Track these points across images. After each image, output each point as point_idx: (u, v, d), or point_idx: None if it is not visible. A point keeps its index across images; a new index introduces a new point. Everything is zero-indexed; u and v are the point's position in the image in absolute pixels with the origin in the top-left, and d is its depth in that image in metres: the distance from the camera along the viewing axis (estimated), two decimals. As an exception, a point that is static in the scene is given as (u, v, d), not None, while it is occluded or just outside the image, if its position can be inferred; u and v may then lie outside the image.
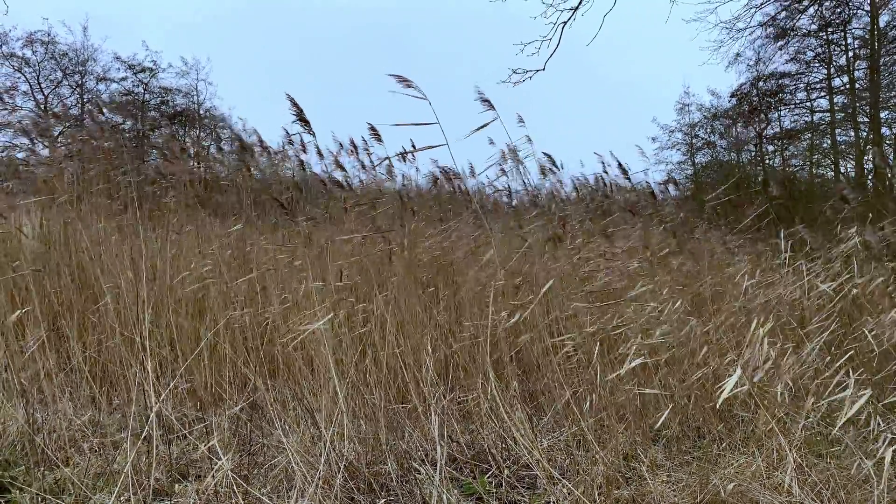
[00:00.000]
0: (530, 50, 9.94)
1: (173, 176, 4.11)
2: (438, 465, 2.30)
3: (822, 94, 19.56)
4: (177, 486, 2.34)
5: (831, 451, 2.46)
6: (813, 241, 3.92)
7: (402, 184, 4.54)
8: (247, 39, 41.52)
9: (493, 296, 3.00)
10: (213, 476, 2.21)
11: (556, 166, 4.11)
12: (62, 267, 3.66)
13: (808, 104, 20.26)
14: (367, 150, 4.12)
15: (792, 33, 17.51)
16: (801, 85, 19.86)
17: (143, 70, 24.59)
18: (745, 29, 14.91)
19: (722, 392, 1.95)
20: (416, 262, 3.80)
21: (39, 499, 2.20)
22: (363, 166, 4.18)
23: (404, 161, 4.28)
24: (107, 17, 36.05)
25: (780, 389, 2.38)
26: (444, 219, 4.41)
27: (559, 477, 2.30)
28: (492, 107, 2.88)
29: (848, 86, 18.06)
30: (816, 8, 16.62)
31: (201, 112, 25.29)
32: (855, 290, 3.21)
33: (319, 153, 4.14)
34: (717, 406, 2.32)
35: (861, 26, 17.03)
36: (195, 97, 25.37)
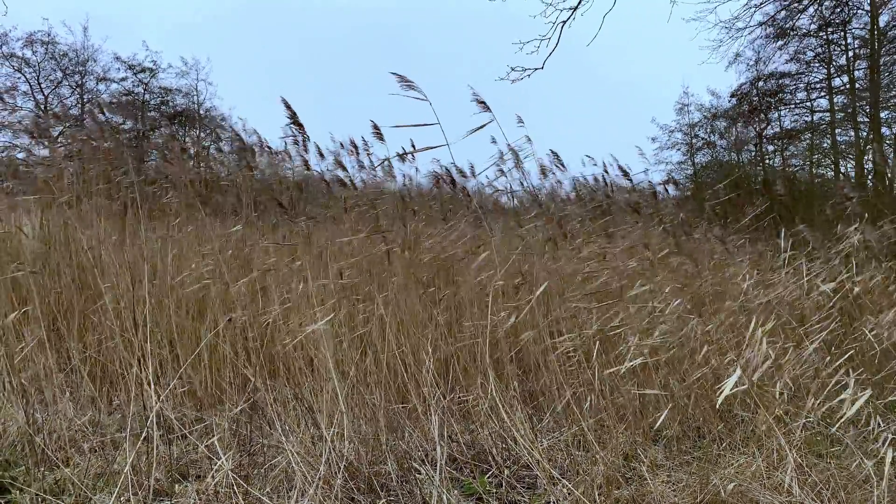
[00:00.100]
0: (529, 49, 9.91)
1: (173, 176, 4.11)
2: (438, 465, 2.30)
3: (822, 94, 19.56)
4: (177, 486, 2.34)
5: (831, 451, 2.46)
6: (814, 241, 3.92)
7: (404, 184, 4.54)
8: (247, 39, 41.53)
9: (493, 296, 3.00)
10: (213, 476, 2.21)
11: (562, 165, 4.12)
12: (62, 267, 3.66)
13: (808, 104, 20.26)
14: (366, 150, 4.13)
15: (791, 33, 17.50)
16: (801, 85, 19.86)
17: (143, 70, 24.59)
18: (745, 28, 14.91)
19: (722, 391, 1.95)
20: (416, 262, 3.80)
21: (39, 499, 2.20)
22: (362, 166, 4.18)
23: (403, 161, 4.28)
24: (107, 17, 36.07)
25: (779, 389, 2.38)
26: (446, 219, 4.41)
27: (559, 477, 2.30)
28: (487, 108, 2.89)
29: (848, 86, 18.06)
30: (816, 7, 16.61)
31: (201, 112, 25.29)
32: (857, 289, 3.21)
33: (320, 153, 4.14)
34: (717, 405, 2.32)
35: (861, 26, 17.03)
36: (195, 97, 25.38)
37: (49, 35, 22.89)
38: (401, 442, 2.62)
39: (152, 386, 2.29)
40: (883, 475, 1.92)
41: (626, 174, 4.46)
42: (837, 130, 18.97)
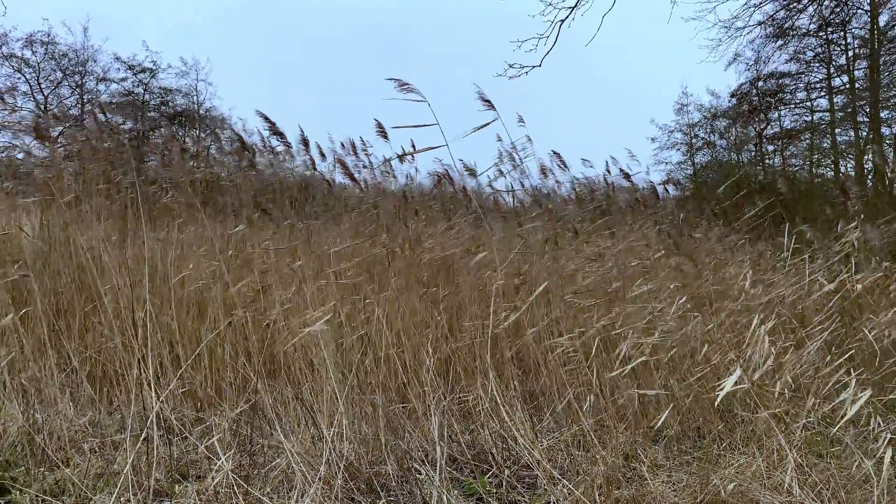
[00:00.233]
0: (527, 47, 9.89)
1: (173, 177, 4.11)
2: (438, 465, 2.30)
3: (822, 93, 19.56)
4: (177, 486, 2.34)
5: (831, 450, 2.46)
6: (816, 239, 3.93)
7: (406, 183, 4.54)
8: (247, 39, 41.54)
9: (494, 296, 3.00)
10: (213, 476, 2.21)
11: (565, 165, 4.13)
12: (62, 267, 3.66)
13: (808, 104, 20.27)
14: (365, 150, 4.13)
15: (791, 33, 17.50)
16: (801, 85, 19.87)
17: (142, 70, 24.58)
18: (744, 28, 14.90)
19: (721, 389, 1.95)
20: (416, 262, 3.80)
21: (39, 499, 2.20)
22: (364, 166, 4.18)
23: (402, 162, 4.28)
24: (107, 17, 36.09)
25: (779, 388, 2.38)
26: (449, 218, 4.42)
27: (559, 477, 2.30)
28: (492, 106, 2.88)
29: (848, 85, 18.06)
30: (816, 7, 16.61)
31: (201, 112, 25.29)
32: (859, 287, 3.21)
33: (322, 153, 4.15)
34: (717, 403, 2.32)
35: (861, 25, 17.03)
36: (195, 97, 25.38)
37: (49, 35, 22.91)
38: (401, 442, 2.62)
39: (152, 386, 2.29)
40: (882, 475, 1.92)
41: (626, 175, 4.46)
42: (837, 130, 18.98)
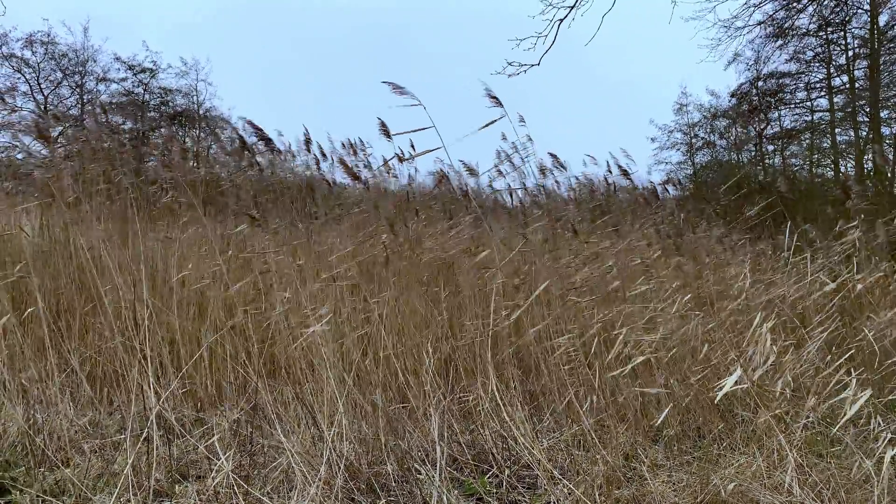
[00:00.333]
0: (526, 45, 9.88)
1: (174, 177, 4.11)
2: (438, 465, 2.30)
3: (822, 93, 19.56)
4: (177, 486, 2.34)
5: (832, 450, 2.46)
6: (818, 238, 3.93)
7: (408, 183, 4.55)
8: (246, 39, 41.52)
9: (494, 295, 3.00)
10: (213, 477, 2.21)
11: (562, 166, 4.13)
12: (62, 268, 3.66)
13: (808, 104, 20.26)
14: (364, 151, 4.14)
15: (791, 32, 17.49)
16: (801, 84, 19.87)
17: (142, 70, 24.57)
18: (744, 28, 14.88)
19: (721, 388, 1.95)
20: (417, 262, 3.80)
21: (40, 500, 2.20)
22: (366, 166, 4.19)
23: (402, 162, 4.28)
24: (107, 17, 36.09)
25: (780, 387, 2.38)
26: (451, 218, 4.42)
27: (560, 477, 2.30)
28: (499, 103, 2.88)
29: (848, 85, 18.05)
30: (815, 7, 16.60)
31: (201, 112, 25.29)
32: (860, 286, 3.21)
33: (323, 153, 4.15)
34: (717, 402, 2.32)
35: (860, 25, 17.02)
36: (195, 97, 25.37)
37: (49, 35, 22.89)
38: (401, 442, 2.62)
39: (152, 386, 2.29)
40: (883, 475, 1.92)
41: (624, 172, 4.45)
42: (837, 130, 18.97)
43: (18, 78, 22.82)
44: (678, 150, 23.85)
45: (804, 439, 2.44)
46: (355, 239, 3.87)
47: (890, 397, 2.61)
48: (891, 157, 14.78)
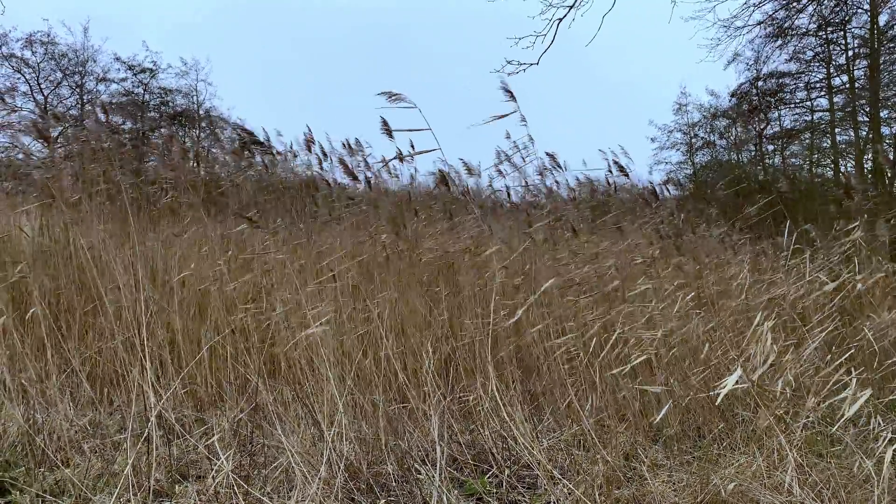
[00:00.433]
0: (524, 44, 9.85)
1: (174, 178, 4.11)
2: (438, 465, 2.30)
3: (822, 93, 19.54)
4: (177, 486, 2.34)
5: (832, 450, 2.46)
6: (819, 237, 3.93)
7: (410, 182, 4.55)
8: (246, 39, 41.48)
9: (494, 293, 3.00)
10: (213, 477, 2.21)
11: (560, 166, 4.13)
12: (62, 268, 3.66)
13: (808, 104, 20.25)
14: (362, 152, 4.14)
15: (791, 32, 17.48)
16: (801, 84, 19.86)
17: (142, 70, 24.55)
18: (744, 27, 14.87)
19: (722, 389, 1.95)
20: (417, 262, 3.80)
21: (40, 500, 2.20)
22: (367, 166, 4.19)
23: (402, 162, 4.28)
24: (107, 17, 36.03)
25: (780, 387, 2.38)
26: (452, 218, 4.42)
27: (560, 477, 2.30)
28: (513, 97, 2.86)
29: (848, 85, 18.05)
30: (815, 7, 16.59)
31: (201, 112, 25.28)
32: (860, 286, 3.21)
33: (324, 153, 4.15)
34: (717, 403, 2.32)
35: (860, 25, 17.02)
36: (195, 97, 25.36)
37: (49, 35, 22.87)
38: (401, 442, 2.62)
39: (152, 387, 2.29)
40: (883, 475, 1.91)
41: (621, 168, 4.44)
42: (837, 130, 18.97)
43: (18, 78, 22.82)
44: (678, 150, 23.85)
45: (804, 439, 2.44)
46: (355, 239, 3.87)
47: (890, 397, 2.61)
48: (891, 156, 14.78)
